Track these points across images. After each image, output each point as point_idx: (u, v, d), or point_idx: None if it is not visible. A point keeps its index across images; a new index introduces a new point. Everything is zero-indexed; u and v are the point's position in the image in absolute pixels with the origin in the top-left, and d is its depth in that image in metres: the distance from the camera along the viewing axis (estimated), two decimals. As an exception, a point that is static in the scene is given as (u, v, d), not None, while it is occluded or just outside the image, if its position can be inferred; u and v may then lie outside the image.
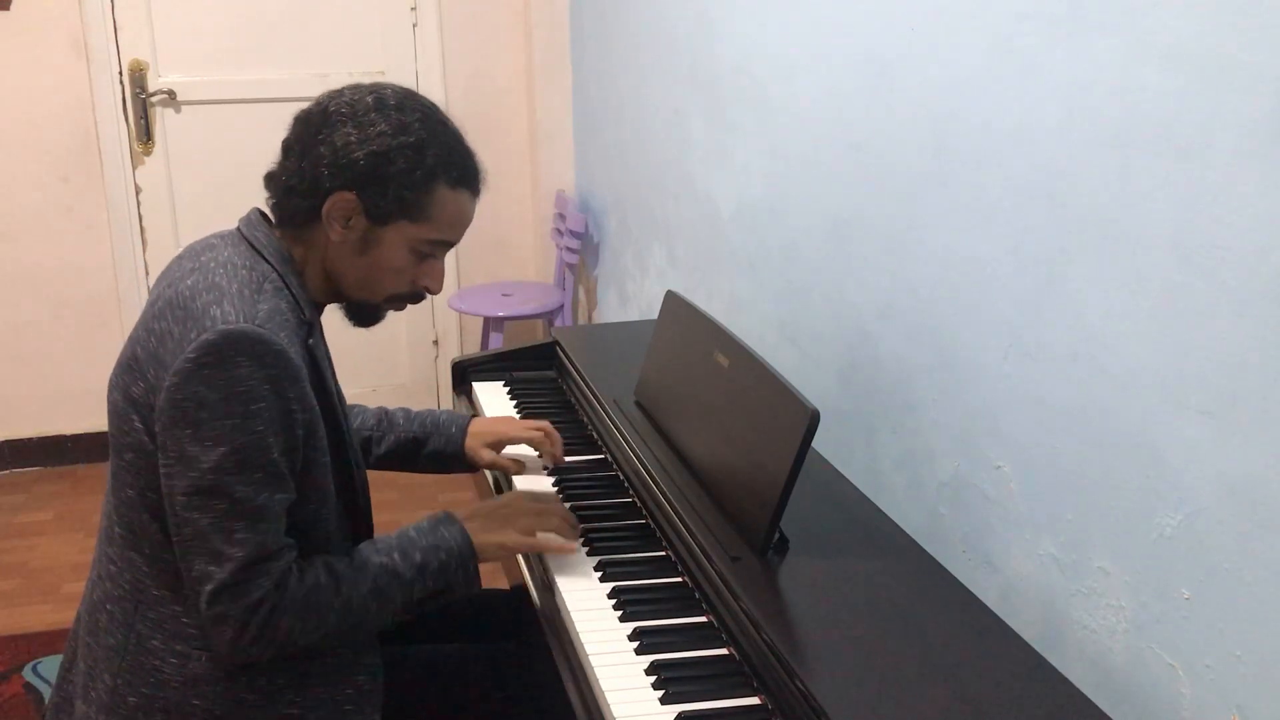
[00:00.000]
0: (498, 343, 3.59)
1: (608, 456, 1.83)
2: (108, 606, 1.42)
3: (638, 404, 1.87)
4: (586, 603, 1.41)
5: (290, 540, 1.35)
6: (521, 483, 1.76)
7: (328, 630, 1.36)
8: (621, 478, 1.75)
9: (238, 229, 1.46)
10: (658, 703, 1.22)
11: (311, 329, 1.44)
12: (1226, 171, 1.08)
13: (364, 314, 1.50)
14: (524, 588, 1.54)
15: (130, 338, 1.40)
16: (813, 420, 1.35)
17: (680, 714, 1.20)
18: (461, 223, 1.46)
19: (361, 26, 3.81)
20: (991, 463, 1.49)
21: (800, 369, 2.03)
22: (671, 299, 1.87)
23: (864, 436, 1.81)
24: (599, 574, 1.47)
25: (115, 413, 1.38)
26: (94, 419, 3.75)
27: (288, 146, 1.43)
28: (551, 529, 1.50)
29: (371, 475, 1.64)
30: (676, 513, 1.52)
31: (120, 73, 3.66)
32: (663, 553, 1.53)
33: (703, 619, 1.38)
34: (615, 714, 1.21)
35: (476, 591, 1.47)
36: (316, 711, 1.43)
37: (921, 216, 1.62)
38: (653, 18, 2.83)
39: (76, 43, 3.60)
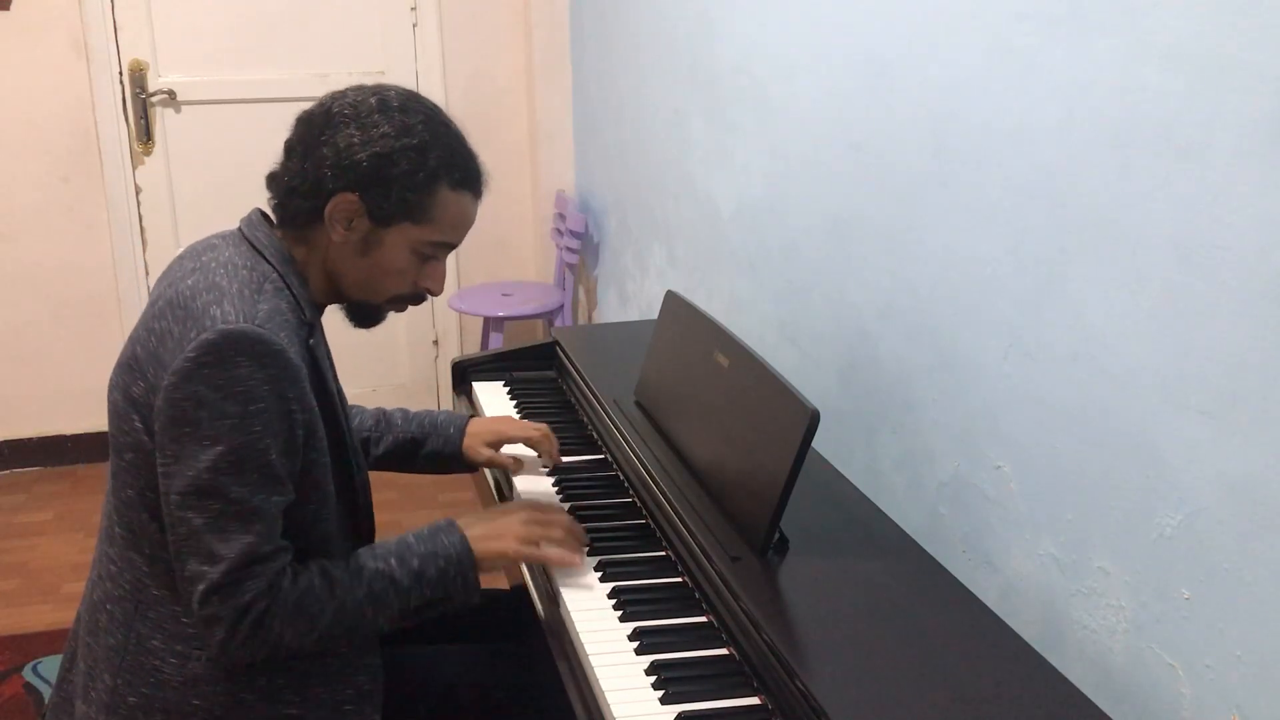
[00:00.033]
0: (498, 343, 3.59)
1: (608, 456, 1.83)
2: (108, 606, 1.42)
3: (638, 404, 1.87)
4: (586, 603, 1.41)
5: (285, 543, 1.34)
6: (521, 482, 1.76)
7: (321, 635, 1.35)
8: (621, 478, 1.75)
9: (239, 229, 1.46)
10: (658, 703, 1.22)
11: (312, 329, 1.44)
12: (1226, 171, 1.08)
13: (365, 315, 1.50)
14: (524, 588, 1.54)
15: (130, 337, 1.40)
16: (813, 420, 1.35)
17: (680, 714, 1.20)
18: (464, 225, 1.46)
19: (361, 26, 3.81)
20: (991, 463, 1.49)
21: (800, 369, 2.03)
22: (671, 299, 1.87)
23: (864, 436, 1.81)
24: (599, 574, 1.47)
25: (115, 412, 1.38)
26: (94, 419, 3.75)
27: (290, 147, 1.43)
28: (554, 540, 1.47)
29: (372, 475, 1.64)
30: (676, 513, 1.52)
31: (120, 73, 3.66)
32: (663, 553, 1.53)
33: (703, 619, 1.38)
34: (615, 714, 1.21)
35: (476, 602, 1.45)
36: (316, 712, 1.43)
37: (921, 216, 1.62)
38: (653, 18, 2.83)
39: (76, 43, 3.60)
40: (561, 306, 3.69)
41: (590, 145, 3.60)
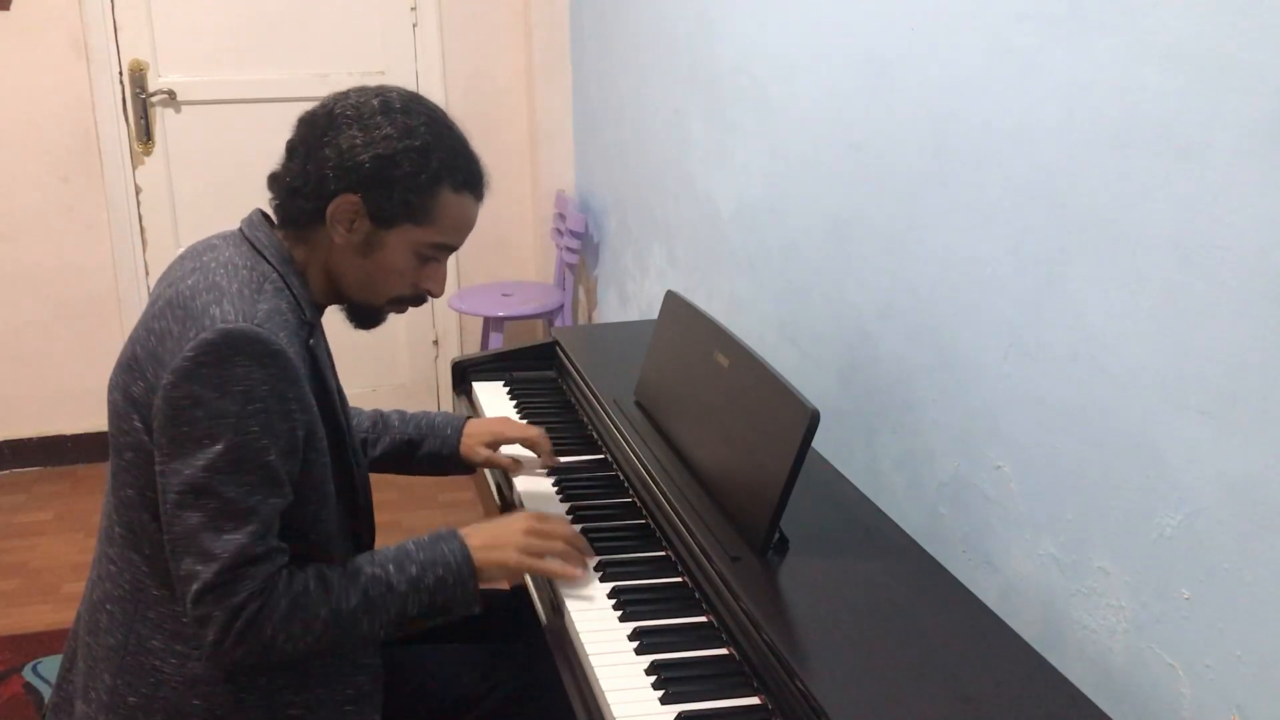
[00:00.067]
0: (498, 343, 3.59)
1: (608, 456, 1.83)
2: (108, 606, 1.41)
3: (638, 404, 1.87)
4: (586, 603, 1.41)
5: (281, 545, 1.33)
6: (521, 482, 1.76)
7: (316, 639, 1.33)
8: (621, 478, 1.75)
9: (239, 229, 1.46)
10: (658, 703, 1.22)
11: (312, 330, 1.44)
12: (1226, 171, 1.08)
13: (365, 316, 1.50)
14: (524, 589, 1.54)
15: (130, 337, 1.40)
16: (813, 420, 1.35)
17: (680, 714, 1.20)
18: (465, 226, 1.46)
19: (361, 26, 3.81)
20: (991, 463, 1.49)
21: (800, 369, 2.03)
22: (671, 299, 1.87)
23: (864, 436, 1.81)
24: (599, 574, 1.47)
25: (115, 412, 1.38)
26: (94, 419, 3.75)
27: (292, 148, 1.43)
28: (556, 552, 1.45)
29: (371, 476, 1.64)
30: (676, 513, 1.52)
31: (120, 73, 3.66)
32: (663, 553, 1.53)
33: (703, 619, 1.38)
34: (615, 714, 1.21)
35: (476, 612, 1.43)
36: (317, 712, 1.43)
37: (921, 216, 1.62)
38: (653, 18, 2.83)
39: (76, 43, 3.60)
40: (561, 306, 3.69)
41: (590, 145, 3.60)
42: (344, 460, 1.48)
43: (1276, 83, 1.02)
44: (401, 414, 1.80)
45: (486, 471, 1.86)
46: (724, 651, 1.32)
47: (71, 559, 3.26)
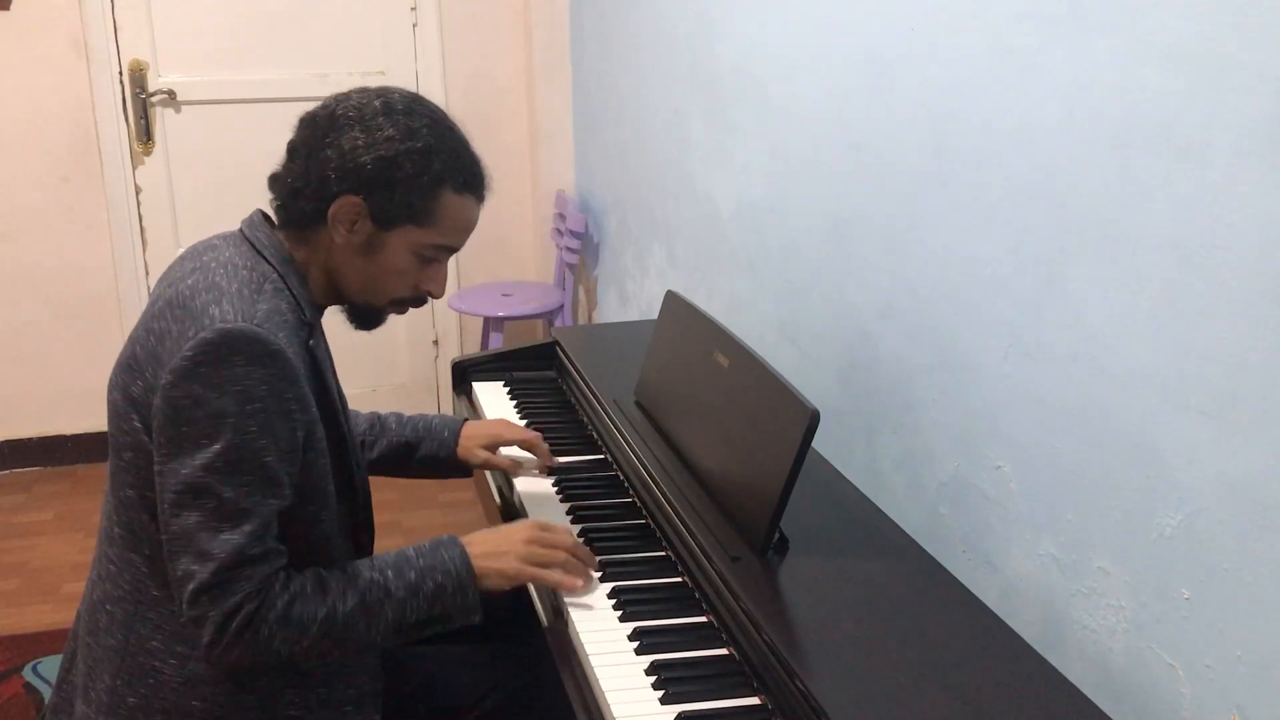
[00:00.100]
0: (498, 343, 3.59)
1: (608, 456, 1.83)
2: (107, 607, 1.41)
3: (638, 404, 1.87)
4: (586, 603, 1.41)
5: (279, 546, 1.32)
6: (521, 483, 1.76)
7: (312, 642, 1.32)
8: (621, 478, 1.75)
9: (240, 230, 1.46)
10: (658, 703, 1.22)
11: (312, 330, 1.43)
12: (1226, 171, 1.08)
13: (366, 316, 1.50)
14: (524, 589, 1.54)
15: (130, 337, 1.40)
16: (813, 420, 1.35)
17: (680, 714, 1.20)
18: (466, 228, 1.46)
19: (361, 26, 3.81)
20: (991, 463, 1.49)
21: (800, 369, 2.03)
22: (671, 299, 1.87)
23: (864, 436, 1.81)
24: (599, 574, 1.47)
25: (115, 412, 1.38)
26: (94, 419, 3.75)
27: (293, 149, 1.43)
28: (558, 563, 1.43)
29: (369, 478, 1.63)
30: (676, 513, 1.52)
31: (120, 73, 3.66)
32: (663, 553, 1.53)
33: (703, 619, 1.38)
34: (615, 714, 1.21)
35: (476, 620, 1.42)
36: (317, 713, 1.43)
37: (921, 216, 1.62)
38: (653, 18, 2.83)
39: (76, 43, 3.60)
40: (561, 306, 3.69)
41: (590, 145, 3.60)
42: (344, 461, 1.48)
43: (1276, 83, 1.02)
44: (399, 416, 1.80)
45: (487, 473, 1.86)
46: (724, 651, 1.32)
47: (71, 559, 3.26)
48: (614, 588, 1.43)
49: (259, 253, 1.41)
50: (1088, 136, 1.26)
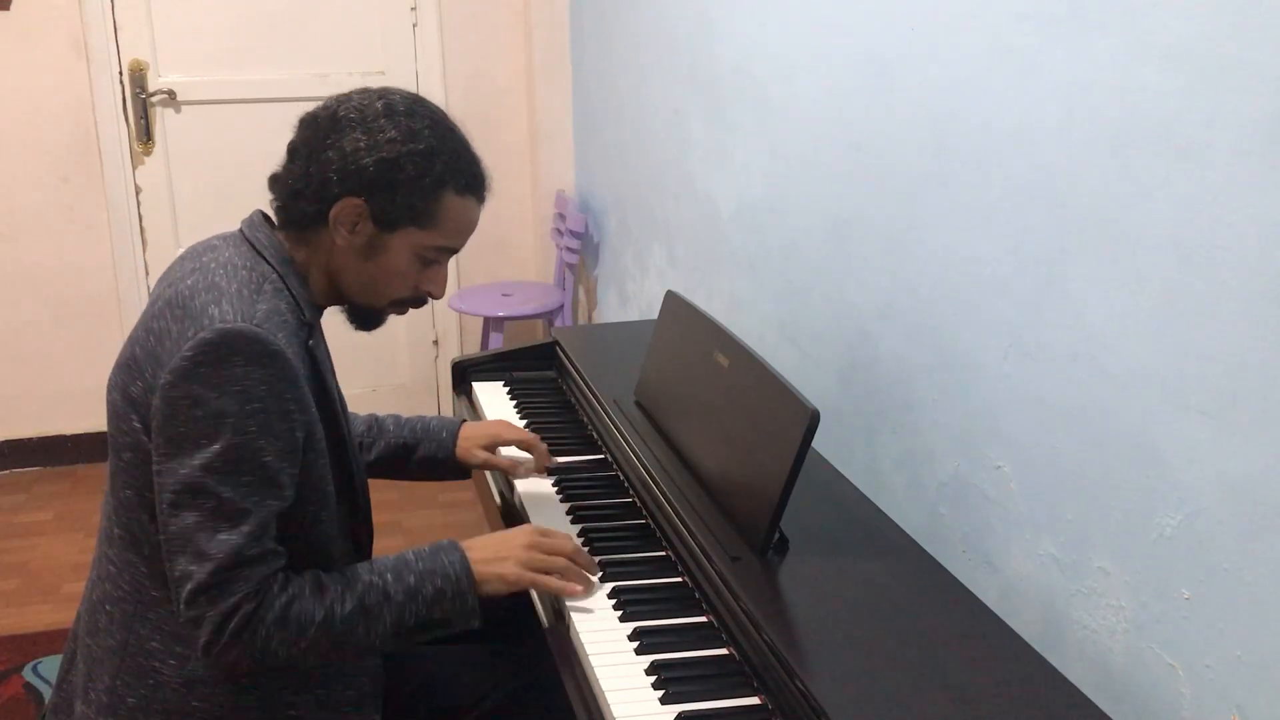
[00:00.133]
0: (498, 343, 3.59)
1: (608, 456, 1.83)
2: (107, 607, 1.41)
3: (638, 404, 1.87)
4: (586, 603, 1.41)
5: (278, 548, 1.32)
6: (521, 483, 1.76)
7: (309, 644, 1.31)
8: (621, 478, 1.75)
9: (239, 230, 1.46)
10: (658, 703, 1.22)
11: (311, 330, 1.43)
12: (1226, 171, 1.08)
13: (366, 317, 1.50)
14: (524, 590, 1.54)
15: (130, 338, 1.39)
16: (813, 420, 1.35)
17: (680, 714, 1.20)
18: (467, 229, 1.46)
19: (361, 26, 3.81)
20: (991, 463, 1.49)
21: (800, 369, 2.03)
22: (671, 299, 1.87)
23: (864, 436, 1.81)
24: (599, 574, 1.47)
25: (114, 413, 1.38)
26: (94, 419, 3.75)
27: (294, 150, 1.42)
28: (558, 568, 1.43)
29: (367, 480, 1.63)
30: (676, 513, 1.52)
31: (120, 73, 3.66)
32: (663, 553, 1.53)
33: (703, 619, 1.38)
34: (615, 714, 1.21)
35: (475, 625, 1.41)
36: (317, 713, 1.43)
37: (921, 216, 1.62)
38: (653, 18, 2.83)
39: (76, 43, 3.60)
40: (561, 306, 3.69)
41: (590, 145, 3.60)
42: (344, 461, 1.48)
43: (1276, 83, 1.02)
44: (396, 418, 1.80)
45: (488, 474, 1.86)
46: (724, 651, 1.32)
47: (71, 559, 3.26)
48: (614, 588, 1.43)
49: (259, 253, 1.41)
50: (1088, 136, 1.26)
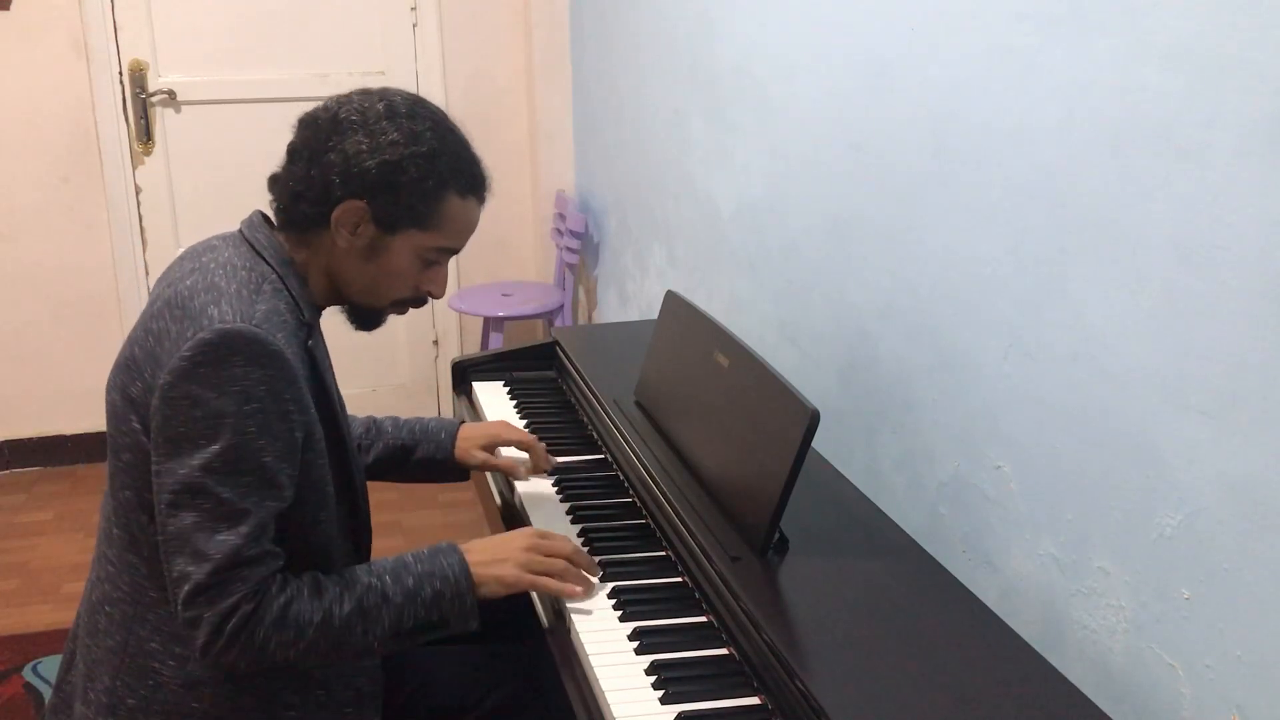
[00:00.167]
0: (498, 343, 3.59)
1: (608, 456, 1.83)
2: (106, 608, 1.41)
3: (638, 404, 1.87)
4: (586, 603, 1.41)
5: (276, 549, 1.32)
6: (522, 484, 1.76)
7: (308, 645, 1.31)
8: (621, 478, 1.75)
9: (239, 230, 1.46)
10: (658, 703, 1.22)
11: (311, 331, 1.43)
12: (1226, 171, 1.08)
13: (366, 317, 1.50)
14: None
15: (129, 338, 1.39)
16: (813, 420, 1.35)
17: (680, 714, 1.20)
18: (469, 230, 1.46)
19: (361, 26, 3.81)
20: (991, 463, 1.49)
21: (800, 369, 2.03)
22: (671, 299, 1.87)
23: (864, 436, 1.81)
24: (599, 575, 1.47)
25: (113, 413, 1.38)
26: (94, 419, 3.75)
27: (294, 151, 1.42)
28: (556, 570, 1.42)
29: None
30: (676, 513, 1.52)
31: (120, 73, 3.66)
32: (663, 553, 1.53)
33: (703, 619, 1.38)
34: (615, 714, 1.21)
35: (474, 627, 1.41)
36: (316, 714, 1.43)
37: (921, 216, 1.62)
38: (653, 18, 2.83)
39: (76, 43, 3.60)
40: (561, 306, 3.69)
41: (590, 145, 3.60)
42: (343, 462, 1.47)
43: (1276, 83, 1.02)
44: (395, 420, 1.79)
45: (488, 474, 1.86)
46: (724, 651, 1.32)
47: (71, 559, 3.26)
48: (614, 588, 1.43)
49: (258, 254, 1.41)
50: (1088, 136, 1.26)
